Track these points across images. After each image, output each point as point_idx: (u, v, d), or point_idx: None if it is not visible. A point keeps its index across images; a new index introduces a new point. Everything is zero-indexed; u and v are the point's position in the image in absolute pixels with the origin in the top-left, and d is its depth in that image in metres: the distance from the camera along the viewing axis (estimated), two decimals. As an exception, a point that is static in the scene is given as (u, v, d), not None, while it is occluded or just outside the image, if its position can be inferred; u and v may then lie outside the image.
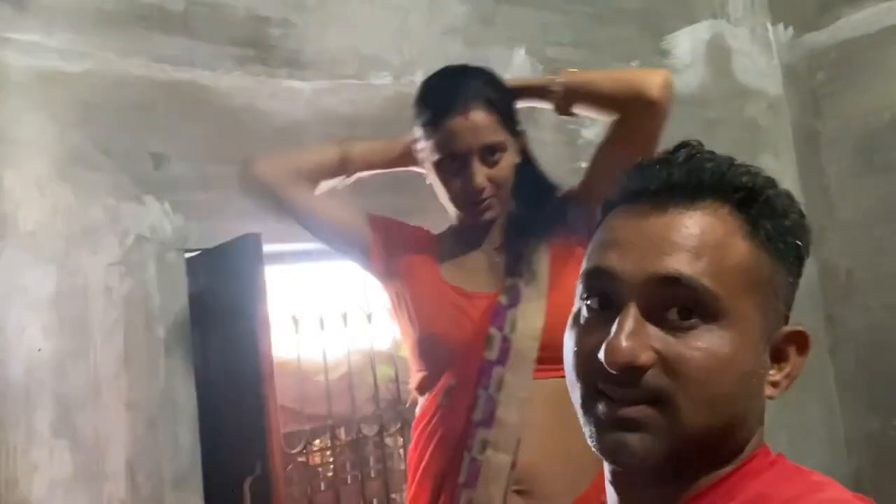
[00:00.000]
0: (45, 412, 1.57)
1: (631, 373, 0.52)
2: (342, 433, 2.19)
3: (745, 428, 0.54)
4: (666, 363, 0.52)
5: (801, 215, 0.57)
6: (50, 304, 1.61)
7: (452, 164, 1.13)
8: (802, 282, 0.58)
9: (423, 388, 1.17)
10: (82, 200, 1.68)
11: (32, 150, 1.64)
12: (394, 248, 1.22)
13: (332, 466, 2.19)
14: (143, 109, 1.79)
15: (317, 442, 2.21)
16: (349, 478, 2.22)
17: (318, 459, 2.25)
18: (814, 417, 2.66)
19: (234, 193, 1.90)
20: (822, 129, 2.77)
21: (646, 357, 0.52)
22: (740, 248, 0.53)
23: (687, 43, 2.77)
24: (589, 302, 0.56)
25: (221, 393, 1.76)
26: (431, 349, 1.14)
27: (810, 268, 0.60)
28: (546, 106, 1.21)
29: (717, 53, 2.81)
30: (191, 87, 1.86)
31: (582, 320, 0.57)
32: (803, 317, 0.58)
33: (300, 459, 2.16)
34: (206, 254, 1.81)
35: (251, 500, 1.61)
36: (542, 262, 1.17)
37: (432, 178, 1.17)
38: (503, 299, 1.14)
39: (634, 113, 1.10)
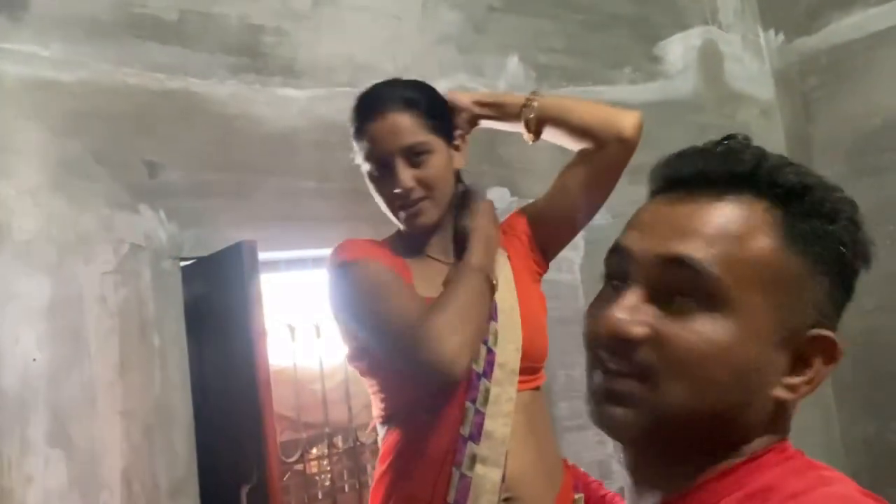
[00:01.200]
0: (40, 422, 1.56)
1: (621, 344, 0.53)
2: (339, 441, 2.19)
3: (743, 423, 0.54)
4: (658, 341, 0.52)
5: (855, 224, 0.55)
6: (44, 314, 1.60)
7: (380, 171, 1.11)
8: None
9: (392, 416, 1.12)
10: (77, 209, 1.68)
11: (27, 159, 1.64)
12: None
13: (329, 475, 2.18)
14: (138, 118, 1.79)
15: (314, 450, 2.20)
16: (346, 486, 2.22)
17: (315, 468, 2.24)
18: (810, 421, 2.66)
19: (227, 202, 1.91)
20: (814, 133, 2.79)
21: (637, 331, 0.52)
22: (763, 242, 0.52)
23: (679, 49, 2.79)
24: (612, 283, 0.58)
25: (217, 401, 1.75)
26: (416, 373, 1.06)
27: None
28: (515, 128, 1.20)
29: (709, 59, 2.83)
30: (185, 96, 1.86)
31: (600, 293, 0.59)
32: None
33: (297, 468, 2.15)
34: (202, 262, 1.81)
35: (247, 508, 1.60)
36: (507, 274, 1.15)
37: (371, 190, 1.15)
38: None
39: (606, 146, 1.13)
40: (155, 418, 1.70)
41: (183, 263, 1.82)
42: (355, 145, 1.14)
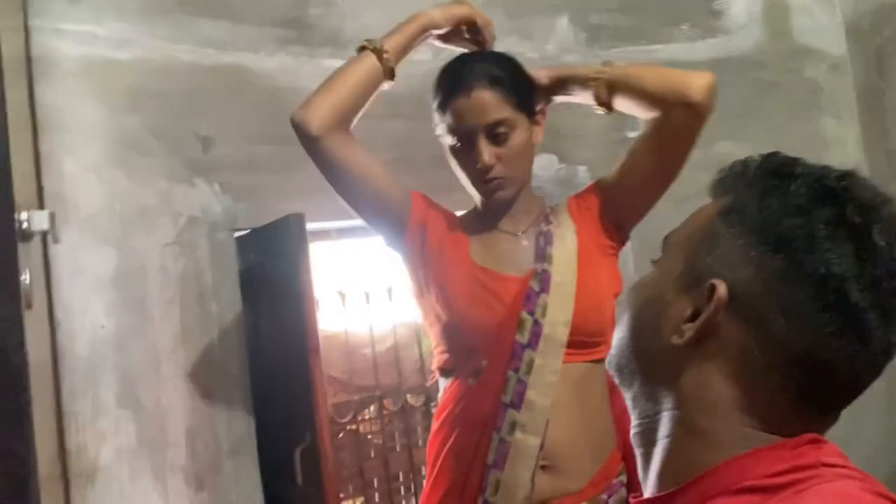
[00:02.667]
0: (110, 384, 1.67)
1: None
2: (390, 403, 2.26)
3: (651, 356, 0.60)
4: None
5: (782, 192, 0.56)
6: (110, 284, 1.70)
7: (463, 146, 1.13)
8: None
9: (448, 371, 1.18)
10: (137, 184, 1.76)
11: (88, 136, 1.73)
12: (430, 228, 1.21)
13: (380, 435, 2.26)
14: (191, 94, 1.85)
15: (366, 412, 2.28)
16: (398, 445, 2.29)
17: (367, 428, 2.32)
18: (873, 389, 2.57)
19: (279, 174, 1.96)
20: (886, 89, 2.62)
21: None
22: (701, 216, 0.62)
23: (742, 2, 2.65)
24: None
25: (272, 366, 1.83)
26: (462, 332, 1.14)
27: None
28: (586, 100, 1.19)
29: (775, 12, 2.68)
30: (235, 70, 1.90)
31: None
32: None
33: (350, 428, 2.24)
34: (254, 233, 1.87)
35: (301, 467, 1.69)
36: (571, 248, 1.16)
37: (452, 163, 1.18)
38: (534, 284, 1.14)
39: (676, 113, 1.10)
40: (215, 382, 1.80)
41: (237, 234, 1.89)
42: (437, 118, 1.16)
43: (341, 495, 2.18)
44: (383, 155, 2.03)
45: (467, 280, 1.16)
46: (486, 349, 1.12)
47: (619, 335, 0.65)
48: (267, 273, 1.84)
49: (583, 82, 1.18)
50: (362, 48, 1.17)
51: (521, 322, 1.12)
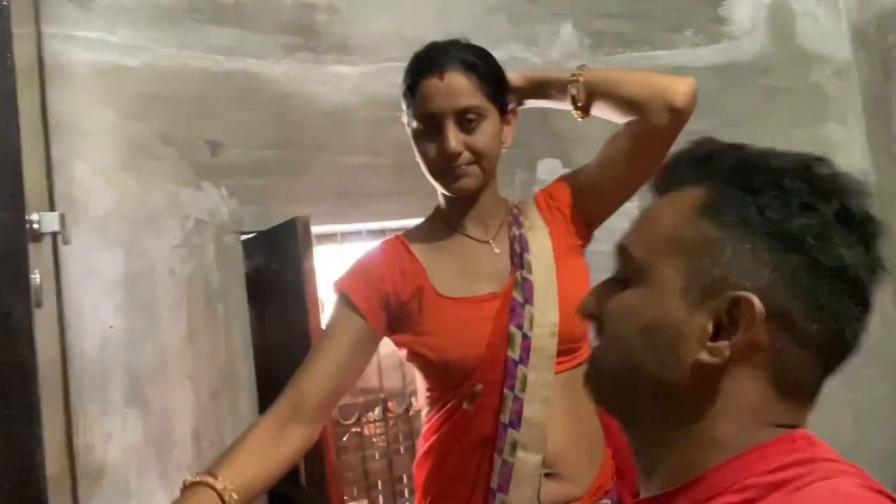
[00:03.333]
0: (118, 384, 1.70)
1: (589, 320, 0.65)
2: (394, 406, 2.27)
3: (673, 385, 0.57)
4: (600, 314, 0.63)
5: (787, 193, 0.56)
6: (119, 285, 1.73)
7: (429, 131, 1.07)
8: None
9: (436, 401, 1.12)
10: (146, 187, 1.80)
11: (99, 141, 1.76)
12: (384, 301, 1.10)
13: (384, 437, 2.28)
14: (199, 99, 1.88)
15: (370, 414, 2.30)
16: (401, 448, 2.31)
17: (372, 430, 2.34)
18: (880, 395, 2.56)
19: (285, 178, 1.99)
20: (893, 94, 2.62)
21: (590, 308, 0.64)
22: (671, 217, 0.59)
23: (747, 7, 2.66)
24: None
25: (277, 366, 1.85)
26: (454, 370, 1.08)
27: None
28: (560, 105, 1.16)
29: (780, 17, 2.69)
30: (243, 76, 1.94)
31: None
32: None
33: (355, 430, 2.25)
34: (261, 236, 1.90)
35: (305, 467, 1.71)
36: (547, 252, 1.12)
37: (416, 151, 1.11)
38: (517, 295, 1.09)
39: (657, 117, 1.08)
40: (221, 382, 1.83)
41: (244, 237, 1.92)
42: (404, 102, 1.11)
43: (345, 497, 2.20)
44: (389, 160, 2.07)
45: (443, 322, 1.09)
46: (480, 372, 1.07)
47: (611, 364, 0.60)
48: (273, 275, 1.86)
49: (560, 86, 1.15)
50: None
51: (511, 337, 1.08)
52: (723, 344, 0.55)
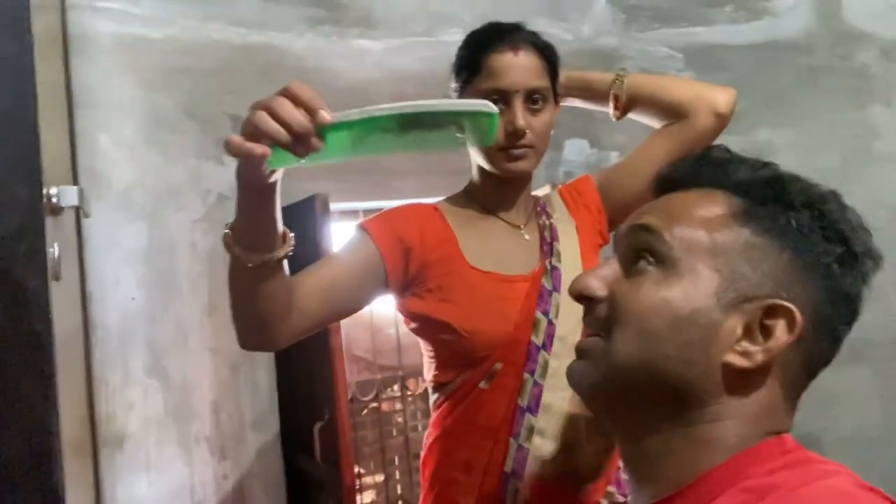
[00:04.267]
0: (139, 355, 1.73)
1: (586, 302, 0.61)
2: (412, 384, 2.28)
3: (690, 379, 0.56)
4: (613, 298, 0.59)
5: (817, 210, 0.58)
6: (141, 258, 1.75)
7: (494, 103, 1.06)
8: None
9: (447, 384, 1.09)
10: (168, 161, 1.80)
11: (122, 114, 1.77)
12: (409, 257, 1.06)
13: (402, 413, 2.29)
14: (222, 73, 1.87)
15: (388, 391, 2.31)
16: (419, 425, 2.32)
17: (389, 407, 2.35)
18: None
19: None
20: (942, 76, 2.50)
21: (598, 290, 0.60)
22: (711, 213, 0.58)
23: (790, -17, 2.54)
24: None
25: (295, 343, 1.86)
26: (476, 346, 1.05)
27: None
28: (599, 107, 1.18)
29: (825, -7, 2.57)
30: (265, 50, 1.92)
31: None
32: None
33: (373, 405, 2.27)
34: (282, 211, 1.89)
35: (320, 443, 1.72)
36: (574, 244, 1.12)
37: None
38: (546, 282, 1.08)
39: (703, 120, 1.12)
40: (240, 356, 1.84)
41: (264, 213, 1.91)
42: (462, 74, 1.07)
43: (362, 471, 2.22)
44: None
45: (472, 292, 1.06)
46: (501, 352, 1.05)
47: (631, 356, 0.57)
48: (293, 251, 1.86)
49: (602, 87, 1.16)
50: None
51: (536, 322, 1.06)
52: (755, 349, 0.55)
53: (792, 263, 0.57)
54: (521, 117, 1.03)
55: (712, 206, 0.59)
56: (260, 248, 0.84)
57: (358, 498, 1.67)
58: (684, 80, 1.18)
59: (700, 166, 0.62)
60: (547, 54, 1.08)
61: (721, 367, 0.56)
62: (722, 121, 1.12)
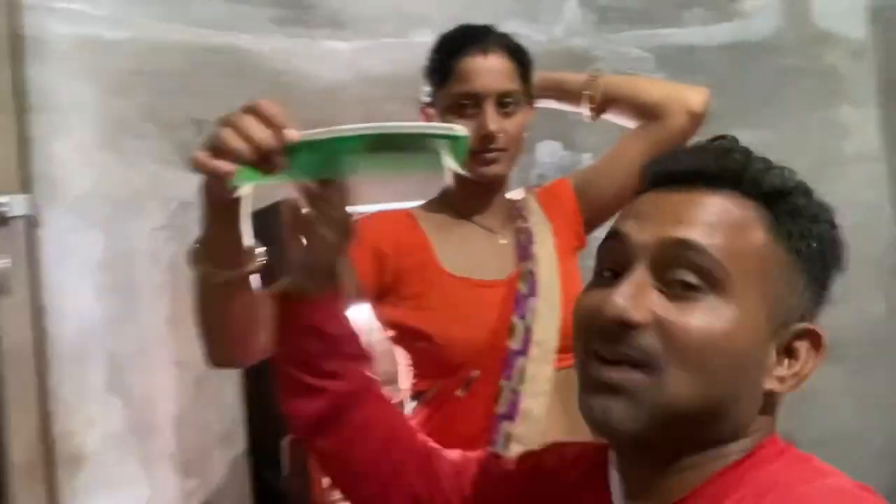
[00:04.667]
0: (99, 370, 1.65)
1: (622, 329, 0.52)
2: (388, 393, 2.22)
3: (738, 412, 0.54)
4: (661, 327, 0.51)
5: (834, 226, 0.58)
6: (99, 268, 1.68)
7: (465, 107, 1.05)
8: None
9: (422, 391, 1.09)
10: (127, 167, 1.73)
11: (79, 117, 1.70)
12: (380, 261, 1.06)
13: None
14: (185, 76, 1.81)
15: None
16: (394, 436, 2.27)
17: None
18: (881, 384, 2.50)
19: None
20: (910, 76, 2.53)
21: (640, 315, 0.51)
22: (757, 235, 0.54)
23: (761, -16, 2.56)
24: (603, 273, 0.57)
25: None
26: (451, 353, 1.05)
27: None
28: (573, 108, 1.19)
29: (795, -6, 2.59)
30: (231, 52, 1.86)
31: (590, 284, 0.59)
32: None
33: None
34: (250, 225, 1.83)
35: (289, 458, 1.66)
36: (550, 247, 1.12)
37: None
38: (522, 286, 1.08)
39: (676, 119, 1.13)
40: (205, 370, 1.75)
41: (230, 220, 1.86)
42: (433, 79, 1.08)
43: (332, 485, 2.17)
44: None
45: (447, 299, 1.06)
46: (478, 360, 1.06)
47: (692, 399, 0.51)
48: (264, 262, 1.80)
49: (575, 88, 1.17)
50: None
51: (513, 328, 1.06)
52: (788, 373, 0.55)
53: (812, 283, 0.56)
54: (492, 121, 1.04)
55: (746, 217, 0.55)
56: (226, 265, 0.81)
57: (330, 512, 1.62)
58: (657, 80, 1.19)
59: (718, 161, 0.57)
60: (518, 56, 1.09)
61: (764, 395, 0.55)
62: (695, 120, 1.12)
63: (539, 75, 1.17)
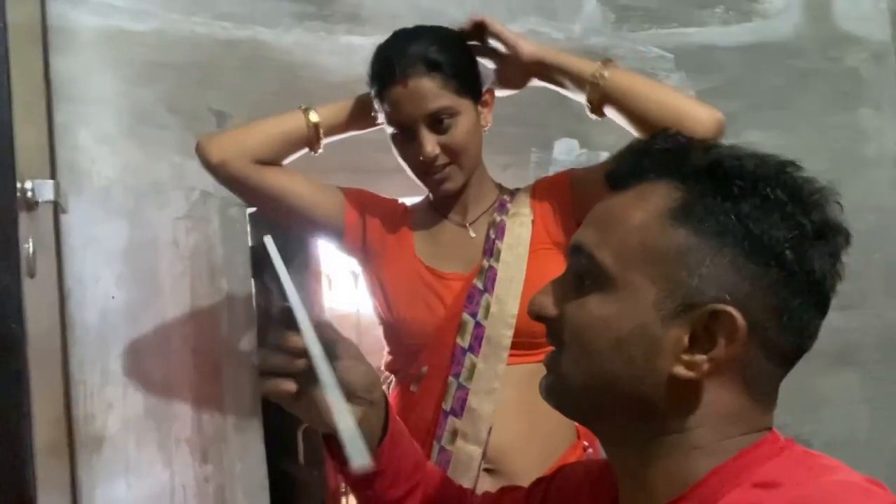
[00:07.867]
0: (119, 355, 1.69)
1: (542, 321, 0.62)
2: (400, 385, 2.25)
3: (646, 398, 0.55)
4: (563, 318, 0.60)
5: (768, 200, 0.54)
6: (122, 256, 1.71)
7: (404, 136, 1.09)
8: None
9: (393, 371, 1.15)
10: (150, 157, 1.76)
11: (103, 108, 1.73)
12: (368, 226, 1.17)
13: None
14: (206, 67, 1.83)
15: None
16: (406, 428, 2.29)
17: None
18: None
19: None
20: (932, 79, 2.50)
21: (548, 310, 0.61)
22: (640, 220, 0.56)
23: (781, -16, 2.54)
24: None
25: (279, 343, 1.83)
26: (403, 334, 1.10)
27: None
28: (574, 96, 1.13)
29: (816, -4, 2.57)
30: (251, 45, 1.88)
31: None
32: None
33: (359, 408, 2.24)
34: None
35: (304, 446, 1.69)
36: (523, 240, 1.11)
37: (395, 153, 1.15)
38: (478, 282, 1.09)
39: None
40: (223, 357, 1.81)
41: (249, 210, 1.88)
42: (376, 106, 1.12)
43: (346, 475, 2.19)
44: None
45: (410, 279, 1.11)
46: (427, 354, 1.08)
47: (581, 379, 0.57)
48: (277, 249, 1.83)
49: (577, 79, 1.10)
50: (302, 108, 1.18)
51: (463, 324, 1.07)
52: (700, 358, 0.54)
53: (735, 261, 0.53)
54: (427, 143, 1.06)
55: (647, 206, 0.57)
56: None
57: (343, 501, 1.65)
58: (668, 92, 1.07)
59: (643, 158, 0.60)
60: (442, 70, 1.06)
61: (670, 380, 0.55)
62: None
63: (541, 51, 1.12)
